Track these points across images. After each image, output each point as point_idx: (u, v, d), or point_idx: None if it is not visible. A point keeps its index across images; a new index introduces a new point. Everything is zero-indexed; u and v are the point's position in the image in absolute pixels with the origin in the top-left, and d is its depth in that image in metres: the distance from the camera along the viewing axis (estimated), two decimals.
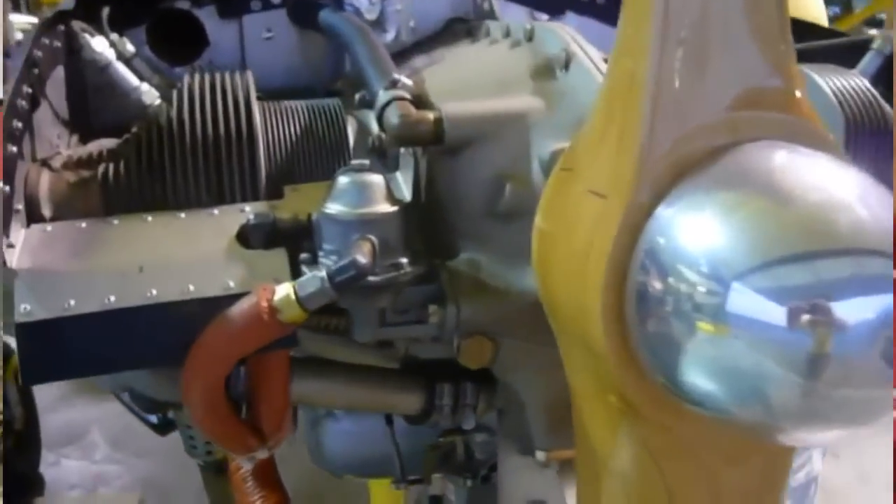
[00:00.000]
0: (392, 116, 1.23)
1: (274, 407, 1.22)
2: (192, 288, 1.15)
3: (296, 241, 1.23)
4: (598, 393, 0.99)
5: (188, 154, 1.28)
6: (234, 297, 1.14)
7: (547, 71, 1.33)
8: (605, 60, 1.30)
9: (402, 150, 1.32)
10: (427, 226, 1.28)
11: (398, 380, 1.45)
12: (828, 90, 1.42)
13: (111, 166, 1.29)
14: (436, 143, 1.23)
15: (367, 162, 1.19)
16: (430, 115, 1.23)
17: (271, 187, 1.33)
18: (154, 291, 1.14)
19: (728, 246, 0.74)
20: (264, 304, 1.03)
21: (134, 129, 1.35)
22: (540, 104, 1.26)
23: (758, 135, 0.84)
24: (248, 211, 1.27)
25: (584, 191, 0.95)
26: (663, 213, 0.81)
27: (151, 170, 1.29)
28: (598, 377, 0.97)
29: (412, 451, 1.68)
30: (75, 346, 1.12)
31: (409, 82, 1.30)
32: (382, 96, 1.28)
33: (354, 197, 1.17)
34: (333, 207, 1.17)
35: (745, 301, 0.71)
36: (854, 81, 1.44)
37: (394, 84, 1.29)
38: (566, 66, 1.29)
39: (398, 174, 1.35)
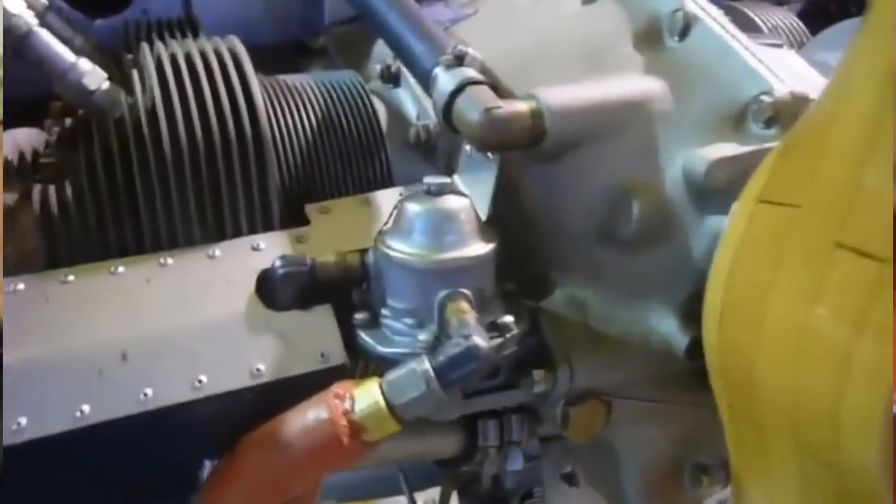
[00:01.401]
0: (470, 110, 0.87)
1: None
2: (203, 379, 0.77)
3: (339, 290, 0.86)
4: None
5: (169, 167, 0.87)
6: (269, 389, 0.78)
7: (652, 37, 0.99)
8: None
9: (468, 148, 0.95)
10: (510, 253, 0.94)
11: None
12: (761, 24, 1.53)
13: (52, 190, 0.88)
14: (532, 146, 0.88)
15: (447, 180, 0.83)
16: (525, 107, 0.87)
17: (288, 207, 0.95)
18: (148, 392, 0.76)
19: None
20: (343, 421, 0.68)
21: (70, 128, 0.93)
22: (662, 87, 0.92)
23: None
24: (264, 247, 0.89)
25: (830, 244, 0.64)
26: None
27: (114, 193, 0.88)
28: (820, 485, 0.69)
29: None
30: (29, 488, 0.74)
31: (477, 55, 0.93)
32: (444, 77, 0.91)
33: (436, 233, 0.81)
34: (404, 249, 0.81)
35: None
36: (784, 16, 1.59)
37: (459, 59, 0.92)
38: (683, 30, 0.95)
39: (457, 179, 0.99)
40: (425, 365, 0.70)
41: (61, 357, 0.76)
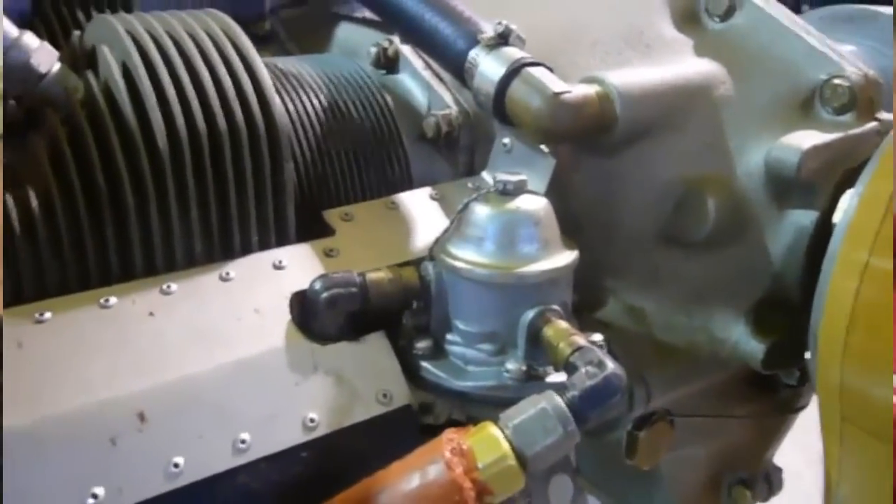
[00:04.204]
0: (531, 95, 0.75)
1: None
2: (245, 438, 0.61)
3: (395, 313, 0.72)
4: None
5: (166, 166, 0.69)
6: (329, 443, 0.63)
7: (691, 18, 0.91)
8: None
9: (508, 140, 0.83)
10: None
11: None
12: None
13: (10, 200, 0.66)
14: (600, 135, 0.77)
15: (523, 177, 0.70)
16: (592, 92, 0.76)
17: (304, 215, 0.78)
18: (179, 461, 0.58)
19: None
20: (467, 484, 0.53)
21: (21, 119, 0.72)
22: (720, 70, 0.84)
23: None
24: (287, 264, 0.72)
25: None
26: None
27: (93, 202, 0.68)
28: None
29: None
30: None
31: (521, 33, 0.81)
32: (488, 60, 0.78)
33: (515, 240, 0.68)
34: (478, 261, 0.67)
35: None
36: None
37: (503, 38, 0.79)
38: (728, 11, 0.88)
39: (485, 177, 0.86)
40: (556, 401, 0.57)
41: (55, 423, 0.57)
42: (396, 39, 0.96)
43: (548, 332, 0.65)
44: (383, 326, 0.70)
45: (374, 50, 0.96)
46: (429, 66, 0.94)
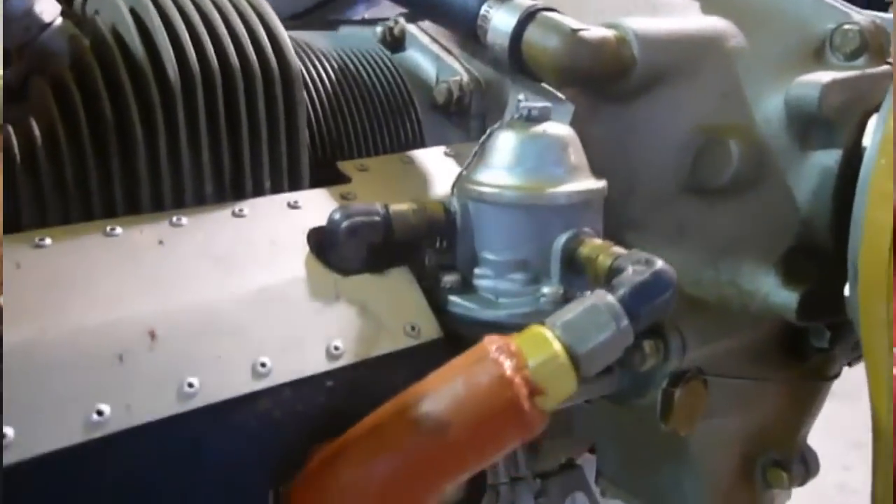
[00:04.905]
0: (549, 36, 0.74)
1: None
2: (266, 363, 0.55)
3: (419, 247, 0.68)
4: None
5: (178, 101, 0.65)
6: (355, 373, 0.58)
7: None
8: None
9: (523, 96, 0.81)
10: None
11: None
12: None
13: (11, 131, 0.63)
14: (620, 78, 0.76)
15: (548, 104, 0.68)
16: (610, 34, 0.75)
17: (319, 165, 0.75)
18: (193, 382, 0.52)
19: None
20: (518, 379, 0.48)
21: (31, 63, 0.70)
22: (729, 25, 0.84)
23: None
24: (303, 205, 0.68)
25: None
26: None
27: (99, 135, 0.64)
28: None
29: None
30: None
31: None
32: (500, 13, 0.77)
33: (546, 163, 0.65)
34: (509, 184, 0.64)
35: None
36: None
37: None
38: None
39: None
40: (607, 298, 0.53)
41: (55, 339, 0.51)
42: (402, 20, 0.96)
43: (584, 250, 0.61)
44: (405, 263, 0.66)
45: (379, 30, 0.96)
46: (436, 41, 0.93)
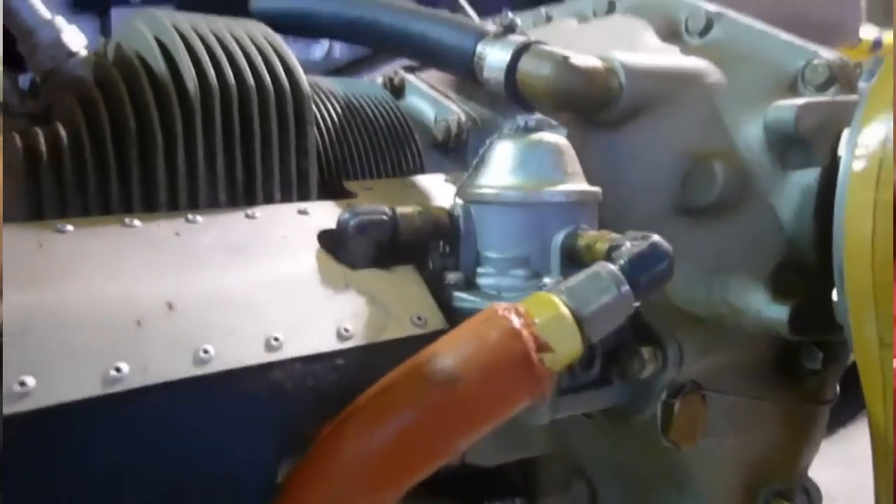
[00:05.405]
0: (542, 64, 0.79)
1: None
2: (279, 338, 0.57)
3: (423, 248, 0.70)
4: None
5: (196, 113, 0.70)
6: (363, 355, 0.59)
7: (674, 36, 0.99)
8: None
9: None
10: None
11: None
12: None
13: (39, 132, 0.66)
14: (607, 105, 0.81)
15: (543, 117, 0.73)
16: (599, 64, 0.81)
17: (326, 184, 0.79)
18: (209, 349, 0.54)
19: None
20: (526, 332, 0.50)
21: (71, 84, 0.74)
22: (708, 65, 0.91)
23: None
24: (311, 212, 0.71)
25: None
26: None
27: (121, 139, 0.68)
28: None
29: None
30: (31, 478, 0.48)
31: (524, 27, 0.87)
32: (495, 49, 0.83)
33: (544, 166, 0.69)
34: (510, 184, 0.68)
35: None
36: None
37: (510, 29, 0.86)
38: (705, 28, 0.96)
39: None
40: (608, 266, 0.55)
41: (76, 301, 0.53)
42: (401, 71, 1.03)
43: (581, 242, 0.64)
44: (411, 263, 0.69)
45: (380, 80, 1.02)
46: (434, 88, 0.99)
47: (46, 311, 0.51)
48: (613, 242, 0.60)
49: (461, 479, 1.06)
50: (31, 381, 0.47)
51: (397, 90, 1.02)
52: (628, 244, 0.58)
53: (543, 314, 0.52)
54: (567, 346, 0.52)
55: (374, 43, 1.00)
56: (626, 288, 0.55)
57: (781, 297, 0.81)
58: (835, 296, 0.75)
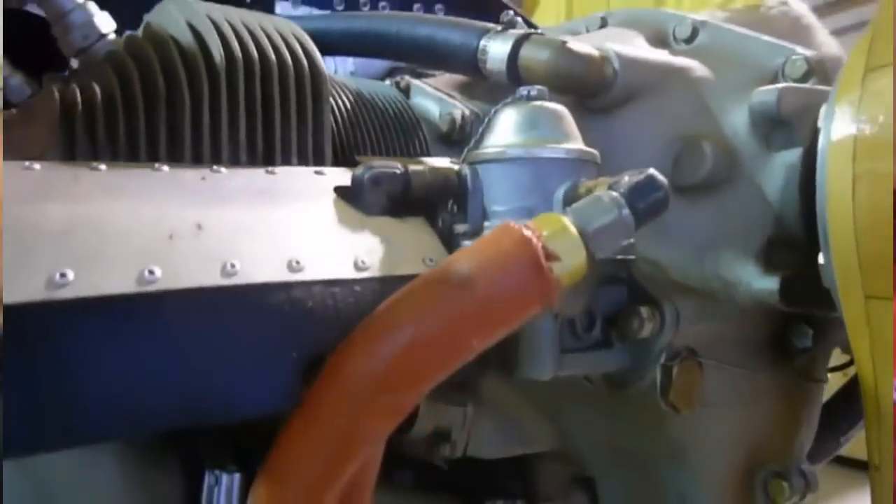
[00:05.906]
0: (540, 51, 0.86)
1: None
2: (301, 261, 0.60)
3: (433, 203, 0.75)
4: None
5: (222, 81, 0.75)
6: (379, 285, 0.63)
7: (663, 44, 1.06)
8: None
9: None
10: None
11: None
12: None
13: (77, 88, 0.71)
14: (603, 91, 0.87)
15: (543, 88, 0.78)
16: (595, 51, 0.87)
17: (339, 156, 0.83)
18: (235, 263, 0.57)
19: None
20: (535, 239, 0.54)
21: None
22: (697, 63, 0.97)
23: None
24: (328, 174, 0.76)
25: None
26: None
27: (152, 100, 0.73)
28: None
29: None
30: (56, 369, 0.50)
31: (522, 23, 0.94)
32: (497, 43, 0.89)
33: (547, 126, 0.74)
34: (515, 141, 0.73)
35: None
36: None
37: (511, 24, 0.92)
38: (693, 32, 1.04)
39: None
40: (609, 192, 0.60)
41: (112, 213, 0.56)
42: (406, 76, 1.09)
43: (583, 191, 0.69)
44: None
45: (390, 81, 1.08)
46: (438, 90, 1.05)
47: (84, 219, 0.55)
48: (612, 182, 0.65)
49: (461, 479, 1.08)
50: (71, 274, 0.50)
51: (404, 92, 1.08)
52: (626, 178, 0.63)
53: (550, 228, 0.56)
54: (573, 258, 0.56)
55: (384, 52, 1.07)
56: (626, 211, 0.59)
57: (772, 270, 0.85)
58: (821, 259, 0.79)
